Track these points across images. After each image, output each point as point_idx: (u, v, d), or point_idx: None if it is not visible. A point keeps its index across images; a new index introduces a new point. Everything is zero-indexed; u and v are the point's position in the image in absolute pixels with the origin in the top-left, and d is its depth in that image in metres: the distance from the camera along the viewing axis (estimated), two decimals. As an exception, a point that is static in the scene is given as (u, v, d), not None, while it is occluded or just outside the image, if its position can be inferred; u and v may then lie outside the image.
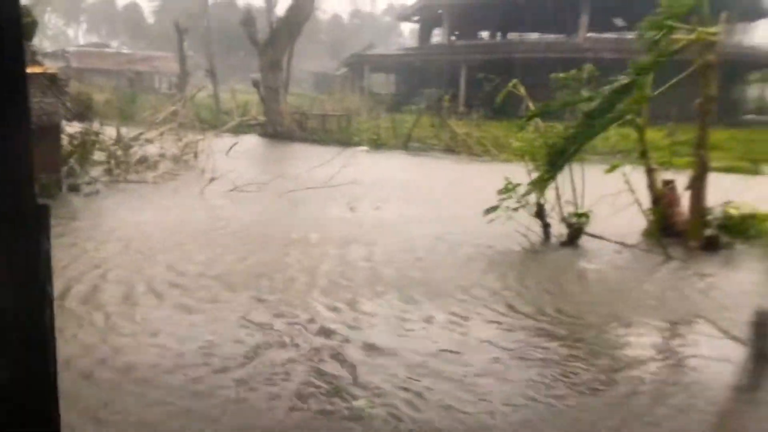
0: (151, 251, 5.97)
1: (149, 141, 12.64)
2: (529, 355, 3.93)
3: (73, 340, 3.81)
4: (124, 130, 12.54)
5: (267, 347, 3.85)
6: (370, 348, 3.89)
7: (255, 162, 14.45)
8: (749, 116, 28.77)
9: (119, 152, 11.15)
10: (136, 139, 12.25)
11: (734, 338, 4.20)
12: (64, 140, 9.75)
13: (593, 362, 3.88)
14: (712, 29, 6.35)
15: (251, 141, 19.16)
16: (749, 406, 3.57)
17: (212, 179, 9.79)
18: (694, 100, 6.76)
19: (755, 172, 12.93)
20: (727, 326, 4.43)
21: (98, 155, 11.41)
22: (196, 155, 12.72)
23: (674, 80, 6.53)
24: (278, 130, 20.48)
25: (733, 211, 6.72)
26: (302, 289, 5.05)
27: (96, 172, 10.25)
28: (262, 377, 3.44)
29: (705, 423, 3.25)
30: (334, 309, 4.59)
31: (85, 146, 10.42)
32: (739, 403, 3.63)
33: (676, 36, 6.26)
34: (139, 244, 6.19)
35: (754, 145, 17.46)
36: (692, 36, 6.30)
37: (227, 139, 14.97)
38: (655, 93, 6.51)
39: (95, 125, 12.53)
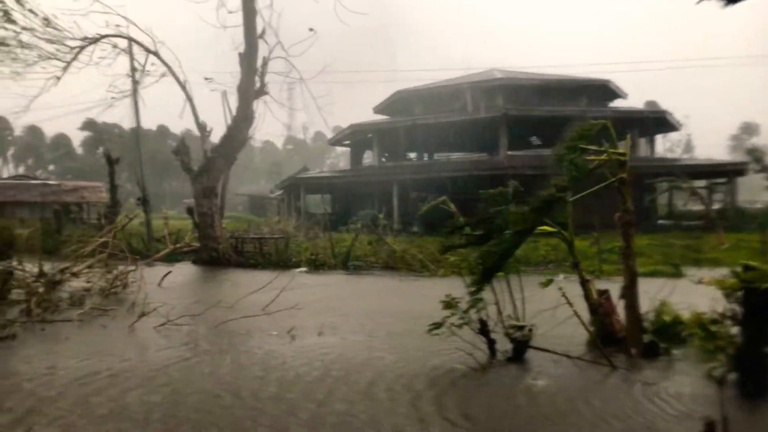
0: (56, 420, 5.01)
1: (75, 275, 12.07)
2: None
3: None
4: (48, 266, 11.97)
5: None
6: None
7: (189, 291, 13.95)
8: (661, 221, 30.97)
9: (41, 289, 10.53)
10: (61, 273, 11.69)
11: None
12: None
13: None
14: (621, 150, 6.92)
15: (185, 269, 18.66)
16: None
17: (143, 314, 9.32)
18: (612, 207, 7.17)
19: (678, 274, 13.62)
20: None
21: (16, 294, 10.79)
22: (126, 287, 12.19)
23: (593, 190, 6.93)
24: (213, 256, 20.13)
25: (665, 317, 6.95)
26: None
27: (13, 313, 9.59)
28: None
29: None
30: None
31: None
32: None
33: (590, 157, 6.77)
34: (47, 407, 5.31)
35: (671, 249, 18.61)
36: (603, 156, 6.85)
37: (160, 269, 14.46)
38: (575, 204, 6.90)
39: (14, 262, 11.96)
